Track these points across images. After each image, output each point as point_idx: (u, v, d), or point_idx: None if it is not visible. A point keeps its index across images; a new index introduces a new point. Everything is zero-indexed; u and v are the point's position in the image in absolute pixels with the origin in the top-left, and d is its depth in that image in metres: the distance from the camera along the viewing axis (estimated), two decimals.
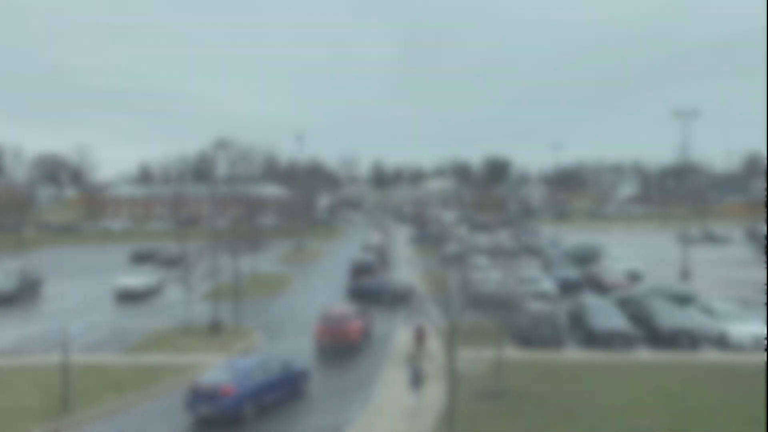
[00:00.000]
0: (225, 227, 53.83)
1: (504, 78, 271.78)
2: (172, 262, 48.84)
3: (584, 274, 42.45)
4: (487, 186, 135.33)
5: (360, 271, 42.92)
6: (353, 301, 36.69)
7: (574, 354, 25.41)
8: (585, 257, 51.96)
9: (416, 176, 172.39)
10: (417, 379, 19.49)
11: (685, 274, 44.29)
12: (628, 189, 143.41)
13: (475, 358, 21.14)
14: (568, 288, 38.99)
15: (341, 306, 28.84)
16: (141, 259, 57.79)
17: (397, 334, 29.02)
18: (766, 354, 21.71)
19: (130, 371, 23.09)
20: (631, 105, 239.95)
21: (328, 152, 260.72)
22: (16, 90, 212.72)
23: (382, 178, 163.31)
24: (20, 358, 25.50)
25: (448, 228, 78.37)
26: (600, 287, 39.04)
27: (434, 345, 24.14)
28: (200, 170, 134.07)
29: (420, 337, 26.07)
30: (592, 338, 26.54)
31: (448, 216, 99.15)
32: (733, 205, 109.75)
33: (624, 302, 31.44)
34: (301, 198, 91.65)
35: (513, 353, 24.33)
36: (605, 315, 27.62)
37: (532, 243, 61.14)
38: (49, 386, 20.89)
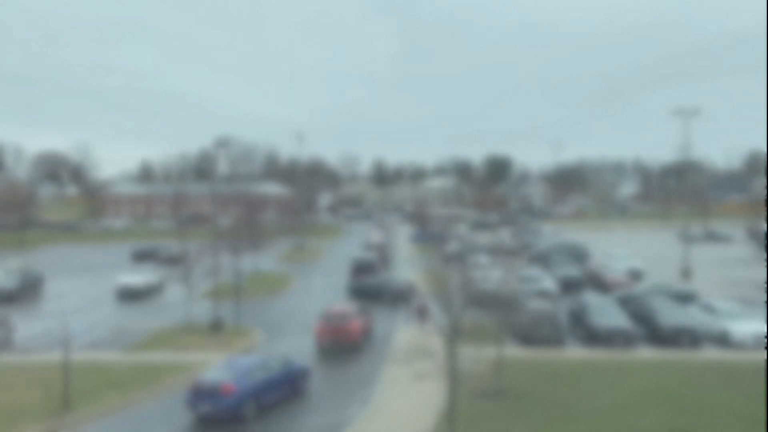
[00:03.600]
0: (226, 226, 53.85)
1: (505, 77, 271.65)
2: (173, 261, 48.83)
3: (585, 273, 42.42)
4: (488, 185, 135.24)
5: (361, 269, 42.91)
6: (354, 300, 36.69)
7: (574, 353, 25.40)
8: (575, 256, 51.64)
9: (417, 175, 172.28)
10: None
11: (686, 273, 44.25)
12: (629, 188, 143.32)
13: (475, 356, 21.11)
14: (568, 286, 38.98)
15: (342, 305, 28.84)
16: (142, 257, 57.86)
17: (398, 332, 29.02)
18: (766, 353, 21.69)
19: (131, 370, 23.12)
20: (632, 104, 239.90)
21: (328, 151, 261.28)
22: (17, 88, 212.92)
23: (382, 177, 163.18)
24: (21, 357, 25.54)
25: (449, 226, 78.37)
26: (601, 286, 39.02)
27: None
28: (201, 169, 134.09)
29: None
30: (592, 337, 26.54)
31: (449, 214, 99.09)
32: (734, 204, 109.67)
33: (625, 301, 31.43)
34: (302, 196, 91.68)
35: (514, 352, 24.32)
36: (606, 313, 27.61)
37: (527, 241, 61.23)
38: (50, 385, 20.91)
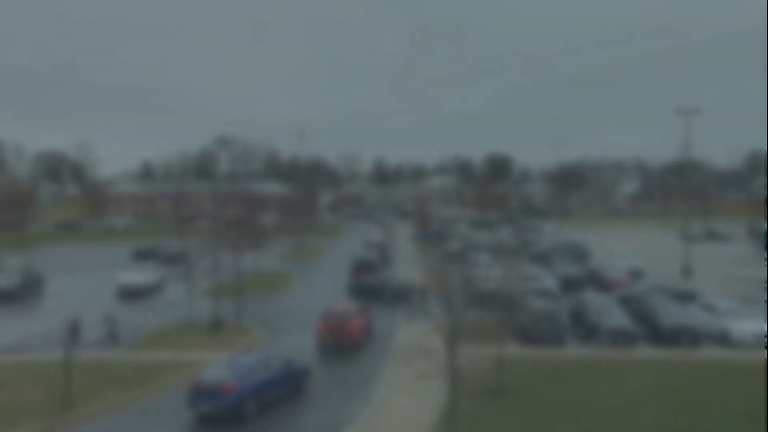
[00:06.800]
0: (227, 225, 53.88)
1: (506, 75, 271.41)
2: (174, 260, 48.87)
3: (586, 272, 42.41)
4: (489, 184, 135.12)
5: (361, 268, 42.90)
6: (354, 299, 36.68)
7: (575, 351, 25.41)
8: (575, 255, 51.75)
9: (418, 174, 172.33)
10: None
11: (686, 272, 44.23)
12: (630, 186, 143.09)
13: (476, 355, 21.14)
14: (569, 285, 38.96)
15: (343, 304, 28.85)
16: (143, 256, 57.87)
17: (399, 331, 29.02)
18: (767, 352, 21.69)
19: (132, 368, 23.14)
20: (634, 102, 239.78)
21: (329, 149, 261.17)
22: (18, 86, 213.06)
23: (383, 176, 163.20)
24: (22, 355, 25.57)
25: (450, 225, 78.35)
26: (601, 284, 38.98)
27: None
28: (202, 168, 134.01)
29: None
30: (593, 336, 26.55)
31: (450, 213, 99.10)
32: (735, 203, 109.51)
33: (626, 300, 31.41)
34: (303, 196, 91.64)
35: (514, 350, 24.32)
36: (607, 312, 27.61)
37: (528, 240, 61.27)
38: (51, 383, 20.94)
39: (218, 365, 19.57)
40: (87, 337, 27.39)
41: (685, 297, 32.39)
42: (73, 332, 26.72)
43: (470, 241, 59.23)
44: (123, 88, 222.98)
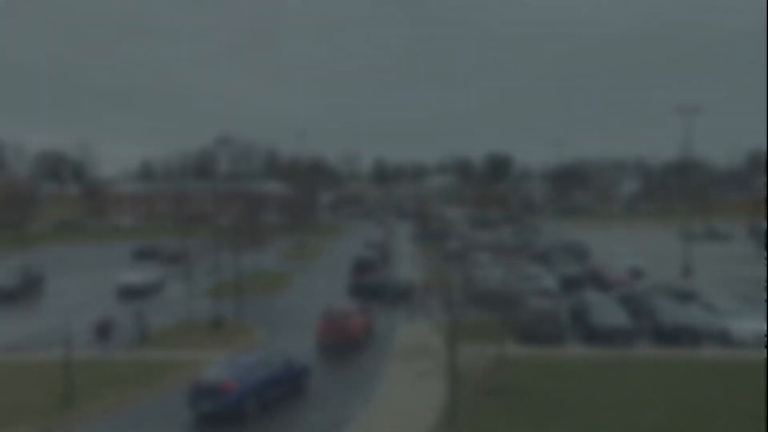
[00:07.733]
0: (226, 225, 53.90)
1: (506, 74, 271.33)
2: (174, 259, 48.96)
3: (586, 271, 42.42)
4: (489, 183, 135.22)
5: (362, 268, 42.90)
6: (355, 298, 36.70)
7: (575, 351, 25.41)
8: (576, 254, 51.81)
9: (418, 173, 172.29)
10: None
11: (687, 271, 44.23)
12: (630, 186, 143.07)
13: (476, 354, 21.15)
14: (569, 285, 38.96)
15: (343, 303, 28.87)
16: (143, 255, 57.91)
17: (400, 330, 29.03)
18: (767, 351, 21.68)
19: (132, 367, 23.16)
20: (634, 101, 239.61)
21: (329, 149, 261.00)
22: (18, 85, 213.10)
23: (383, 175, 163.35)
24: (22, 355, 25.59)
25: (450, 225, 78.42)
26: (602, 284, 38.98)
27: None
28: (202, 167, 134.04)
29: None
30: (593, 335, 26.54)
31: (450, 213, 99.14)
32: (735, 202, 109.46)
33: (626, 299, 31.42)
34: (303, 195, 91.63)
35: (514, 350, 24.32)
36: (607, 312, 27.61)
37: (528, 240, 61.36)
38: (51, 382, 20.94)
39: (218, 365, 19.58)
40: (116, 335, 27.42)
41: (685, 296, 32.38)
42: (106, 331, 26.79)
43: (470, 240, 59.29)
44: (123, 88, 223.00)
